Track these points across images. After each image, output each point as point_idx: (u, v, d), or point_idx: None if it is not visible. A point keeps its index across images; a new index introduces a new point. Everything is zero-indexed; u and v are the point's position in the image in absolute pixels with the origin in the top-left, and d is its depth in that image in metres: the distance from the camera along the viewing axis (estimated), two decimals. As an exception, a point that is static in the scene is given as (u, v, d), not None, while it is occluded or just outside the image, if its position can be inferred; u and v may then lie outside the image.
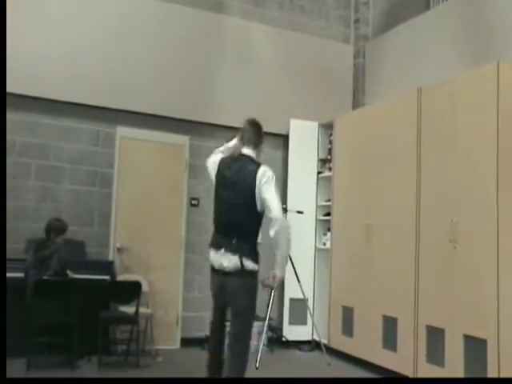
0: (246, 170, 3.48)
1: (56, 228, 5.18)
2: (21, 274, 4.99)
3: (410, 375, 4.81)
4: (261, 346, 5.54)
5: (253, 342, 5.95)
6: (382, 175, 5.46)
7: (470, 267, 4.31)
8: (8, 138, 5.60)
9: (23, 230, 5.56)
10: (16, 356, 4.87)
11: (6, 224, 5.45)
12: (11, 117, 5.63)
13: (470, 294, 4.30)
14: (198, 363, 3.84)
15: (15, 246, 5.45)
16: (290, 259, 5.93)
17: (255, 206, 3.41)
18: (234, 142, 3.69)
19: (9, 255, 5.26)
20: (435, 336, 4.60)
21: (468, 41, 5.70)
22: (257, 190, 3.40)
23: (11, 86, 5.46)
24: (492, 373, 4.04)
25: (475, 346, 4.20)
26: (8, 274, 4.99)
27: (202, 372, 3.62)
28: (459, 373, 4.30)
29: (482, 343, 4.13)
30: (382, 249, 5.36)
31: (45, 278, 4.94)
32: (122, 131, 6.15)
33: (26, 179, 5.69)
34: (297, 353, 6.18)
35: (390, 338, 5.13)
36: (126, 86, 6.04)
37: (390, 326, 5.14)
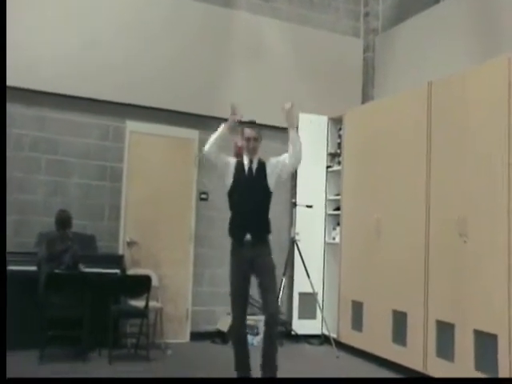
0: None
1: (61, 219, 5.20)
2: (33, 268, 5.03)
3: (420, 370, 4.80)
4: (270, 339, 5.54)
5: (262, 336, 6.03)
6: (391, 169, 5.44)
7: (481, 262, 4.29)
8: (18, 132, 5.67)
9: (34, 224, 5.61)
10: (29, 348, 4.95)
11: (18, 218, 5.55)
12: (21, 111, 5.68)
13: (480, 289, 4.28)
14: (207, 357, 3.85)
15: (27, 240, 5.50)
16: (300, 253, 5.94)
17: None
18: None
19: (20, 249, 5.37)
20: (445, 331, 4.59)
21: (479, 34, 5.65)
22: None
23: (21, 81, 5.54)
24: (503, 368, 4.02)
25: (485, 341, 4.18)
26: (20, 268, 5.11)
27: (211, 365, 3.63)
28: (469, 368, 4.29)
29: (493, 338, 4.11)
30: (391, 243, 5.35)
31: (56, 271, 4.97)
32: (132, 125, 6.16)
33: (36, 173, 5.72)
34: (306, 346, 6.20)
35: (399, 332, 5.13)
36: (135, 80, 6.05)
37: (399, 321, 5.14)
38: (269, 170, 4.29)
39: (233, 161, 4.37)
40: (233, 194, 4.29)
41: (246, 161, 4.32)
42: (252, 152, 4.30)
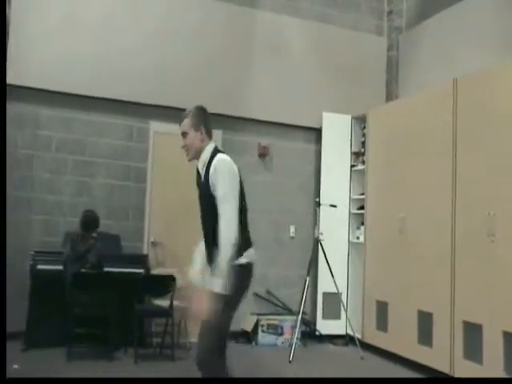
0: None
1: (89, 220, 5.26)
2: (59, 267, 5.10)
3: (447, 372, 4.72)
4: (294, 339, 5.53)
5: (286, 336, 6.02)
6: (416, 168, 5.37)
7: (509, 261, 4.21)
8: (45, 133, 5.76)
9: (61, 224, 5.70)
10: (56, 346, 5.02)
11: (45, 217, 5.64)
12: (48, 113, 5.78)
13: (508, 289, 4.19)
14: (231, 356, 3.84)
15: (53, 239, 5.59)
16: (324, 253, 5.89)
17: None
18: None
19: (47, 248, 5.45)
20: (473, 332, 4.51)
21: (504, 31, 5.54)
22: None
23: (48, 84, 5.64)
24: (533, 370, 3.95)
25: (515, 343, 4.11)
26: (47, 267, 5.20)
27: (234, 365, 3.63)
28: (498, 370, 4.21)
29: (522, 340, 4.04)
30: (416, 242, 5.28)
31: (82, 270, 5.03)
32: (156, 126, 6.20)
33: (62, 174, 5.81)
34: (330, 347, 6.15)
35: (425, 333, 5.06)
36: (159, 81, 6.08)
37: (425, 322, 5.07)
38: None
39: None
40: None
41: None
42: (186, 154, 3.11)
